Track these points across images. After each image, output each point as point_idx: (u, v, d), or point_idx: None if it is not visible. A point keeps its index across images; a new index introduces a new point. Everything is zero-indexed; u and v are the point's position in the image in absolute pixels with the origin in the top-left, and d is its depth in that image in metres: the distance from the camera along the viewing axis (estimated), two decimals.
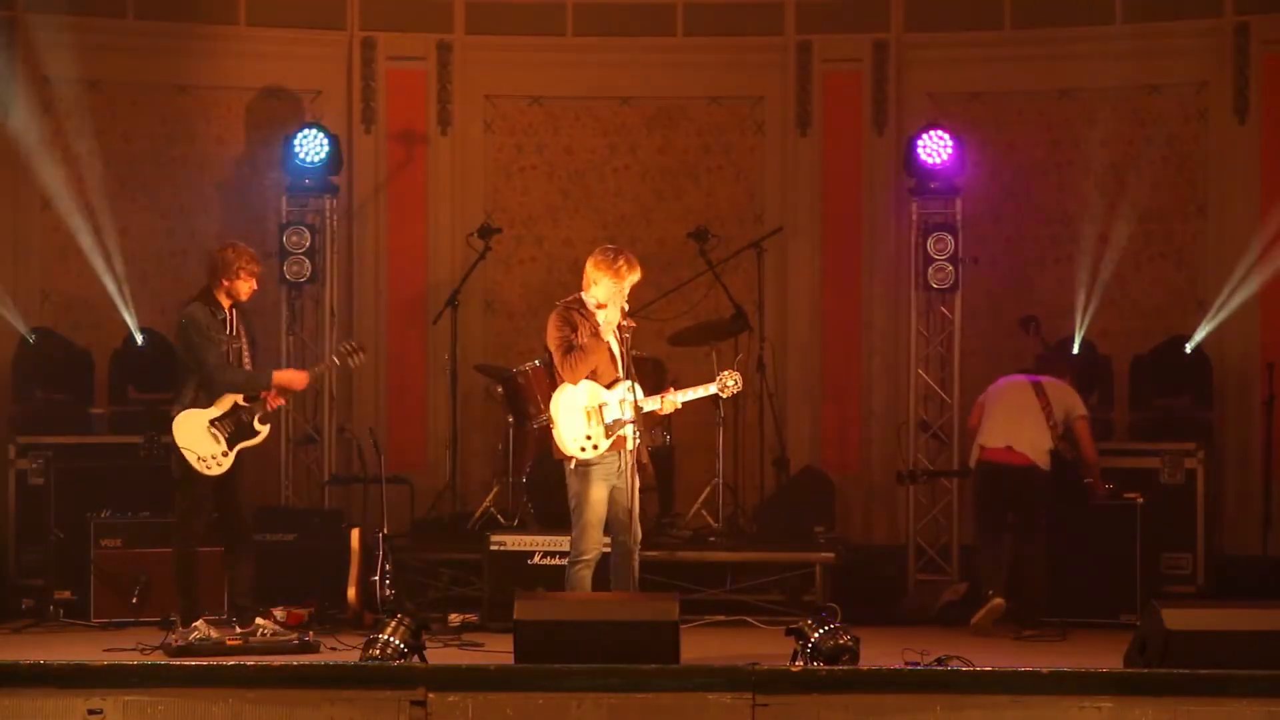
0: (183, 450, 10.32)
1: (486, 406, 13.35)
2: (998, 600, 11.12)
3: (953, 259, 12.57)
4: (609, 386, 9.71)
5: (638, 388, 9.70)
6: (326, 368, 11.26)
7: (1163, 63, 13.19)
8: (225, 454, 10.39)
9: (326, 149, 12.71)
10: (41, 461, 12.04)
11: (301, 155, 12.68)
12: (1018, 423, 11.33)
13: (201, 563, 10.53)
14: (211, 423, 10.37)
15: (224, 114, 13.50)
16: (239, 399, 10.43)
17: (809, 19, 13.65)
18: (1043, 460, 11.29)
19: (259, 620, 10.49)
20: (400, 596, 11.29)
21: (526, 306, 13.76)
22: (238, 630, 10.39)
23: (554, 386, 9.83)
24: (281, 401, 10.72)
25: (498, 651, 9.82)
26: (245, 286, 10.50)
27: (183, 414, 10.36)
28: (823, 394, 13.61)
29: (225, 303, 10.48)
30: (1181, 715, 7.57)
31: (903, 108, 13.51)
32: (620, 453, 9.63)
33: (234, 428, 10.40)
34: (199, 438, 10.35)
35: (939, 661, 8.66)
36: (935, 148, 12.62)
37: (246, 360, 10.54)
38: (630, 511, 9.64)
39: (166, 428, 11.75)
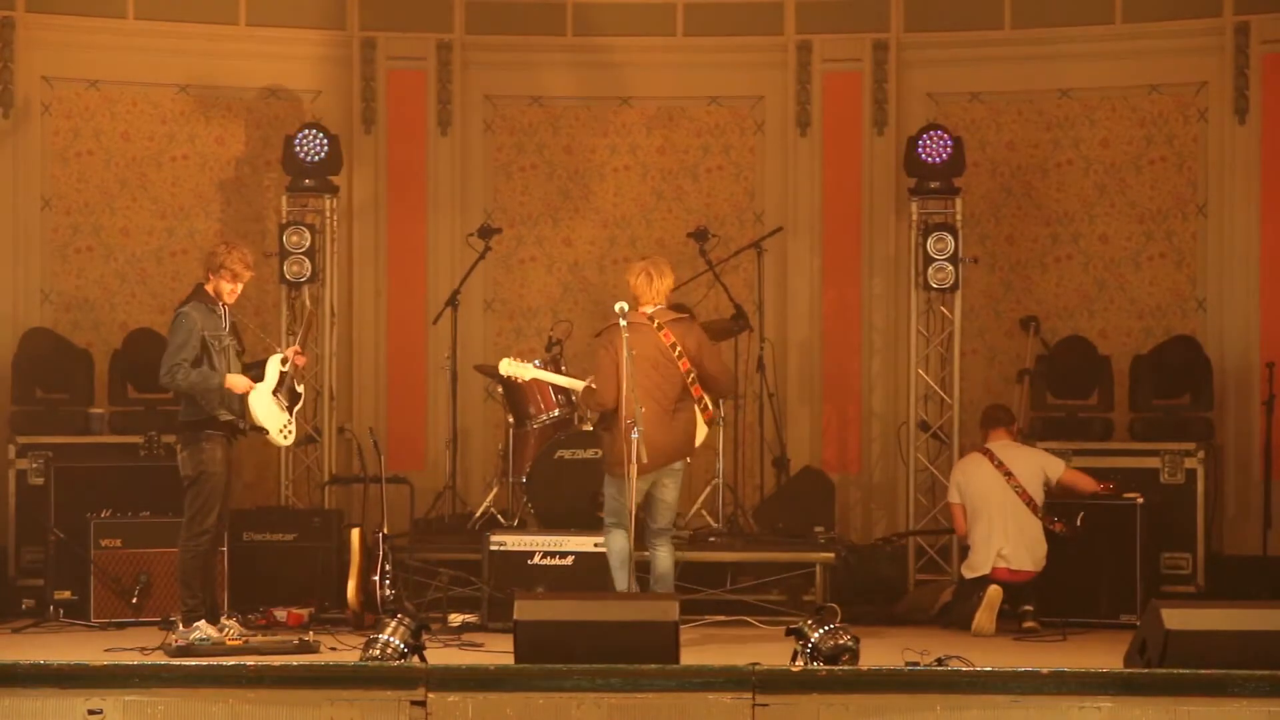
0: (260, 426, 10.43)
1: (486, 406, 13.36)
2: (994, 588, 11.13)
3: (953, 259, 12.56)
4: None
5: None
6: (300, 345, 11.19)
7: (1163, 63, 13.18)
8: (290, 420, 10.54)
9: (326, 149, 12.70)
10: (41, 461, 12.05)
11: (301, 155, 12.67)
12: (1013, 535, 11.30)
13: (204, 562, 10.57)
14: (274, 393, 10.47)
15: (224, 114, 13.50)
16: (282, 366, 10.51)
17: (809, 19, 13.65)
18: (1043, 561, 11.33)
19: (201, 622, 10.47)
20: (400, 596, 11.29)
21: (526, 306, 13.76)
22: (180, 628, 10.34)
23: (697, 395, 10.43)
24: (304, 358, 10.80)
25: (498, 651, 9.82)
26: (227, 287, 10.45)
27: (254, 393, 10.41)
28: (823, 394, 13.60)
29: (217, 300, 10.49)
30: (1181, 715, 7.58)
31: (903, 108, 13.51)
32: None
33: (288, 395, 10.50)
34: (272, 411, 10.46)
35: (939, 661, 8.65)
36: (935, 148, 12.61)
37: (237, 363, 10.56)
38: None
39: (167, 427, 11.81)
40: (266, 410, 10.47)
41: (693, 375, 10.32)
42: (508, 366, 11.06)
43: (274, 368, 10.52)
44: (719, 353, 10.82)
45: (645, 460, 9.99)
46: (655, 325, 10.38)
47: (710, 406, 10.63)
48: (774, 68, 13.71)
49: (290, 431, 10.60)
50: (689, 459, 10.60)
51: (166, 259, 13.37)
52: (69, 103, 13.16)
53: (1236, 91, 12.94)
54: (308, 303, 11.16)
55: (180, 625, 10.27)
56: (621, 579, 10.37)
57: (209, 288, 10.48)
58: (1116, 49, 13.21)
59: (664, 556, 10.46)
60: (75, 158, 13.19)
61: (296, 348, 10.73)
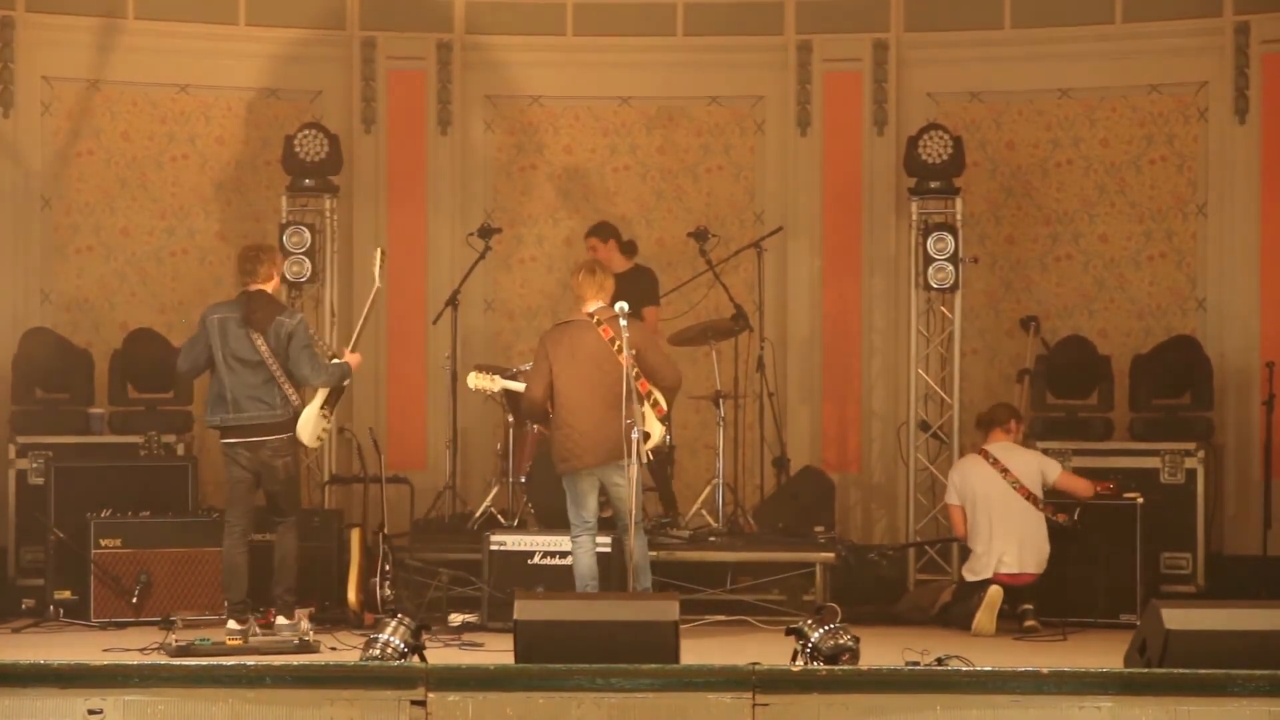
0: (309, 447, 10.70)
1: (486, 406, 13.34)
2: (994, 589, 11.14)
3: (953, 259, 12.57)
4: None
5: None
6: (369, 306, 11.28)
7: (1163, 63, 13.19)
8: (328, 424, 10.80)
9: (326, 149, 12.70)
10: (41, 461, 12.06)
11: (301, 155, 12.67)
12: (1015, 539, 11.28)
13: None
14: (321, 408, 10.66)
15: (224, 114, 13.50)
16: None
17: (809, 19, 13.66)
18: (1045, 563, 11.33)
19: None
20: (400, 596, 11.29)
21: (526, 306, 13.77)
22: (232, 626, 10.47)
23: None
24: (358, 356, 11.01)
25: (498, 651, 9.83)
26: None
27: (302, 419, 10.56)
28: (823, 394, 13.61)
29: None
30: (1181, 715, 7.57)
31: (903, 108, 13.52)
32: None
33: (335, 397, 10.75)
34: (315, 426, 10.64)
35: (939, 661, 8.64)
36: (935, 147, 12.62)
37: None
38: None
39: (167, 427, 11.83)
40: (312, 428, 10.66)
41: (636, 371, 10.39)
42: (475, 380, 11.42)
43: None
44: (659, 345, 10.99)
45: (644, 461, 10.14)
46: (595, 321, 10.60)
47: (661, 403, 10.77)
48: (774, 68, 13.72)
49: (326, 433, 10.88)
50: (648, 458, 10.64)
51: (166, 259, 13.38)
52: (69, 103, 13.16)
53: (1236, 91, 12.94)
54: (375, 278, 11.19)
55: (282, 619, 10.54)
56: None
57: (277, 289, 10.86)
58: (1116, 49, 13.22)
59: (637, 547, 10.43)
60: (75, 158, 13.19)
61: (348, 350, 10.95)
